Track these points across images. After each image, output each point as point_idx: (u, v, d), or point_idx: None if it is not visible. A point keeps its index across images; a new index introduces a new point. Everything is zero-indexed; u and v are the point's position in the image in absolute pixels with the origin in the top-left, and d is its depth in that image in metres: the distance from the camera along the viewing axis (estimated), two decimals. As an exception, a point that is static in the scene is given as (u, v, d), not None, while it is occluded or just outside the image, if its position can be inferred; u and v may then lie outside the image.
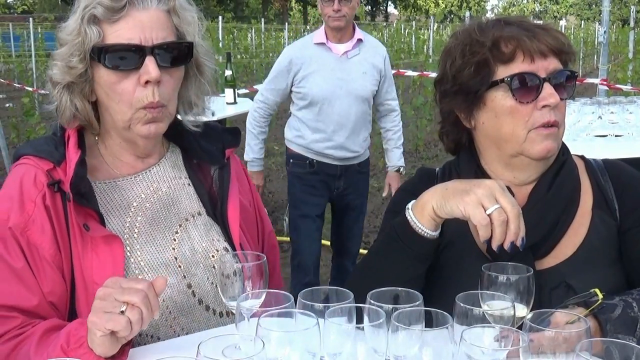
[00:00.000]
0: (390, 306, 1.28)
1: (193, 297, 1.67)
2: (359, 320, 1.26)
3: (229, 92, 5.86)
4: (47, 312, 1.53)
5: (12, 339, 1.48)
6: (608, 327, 1.46)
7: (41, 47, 20.14)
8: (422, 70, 12.67)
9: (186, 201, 1.74)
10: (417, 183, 1.86)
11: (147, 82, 1.53)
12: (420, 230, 1.52)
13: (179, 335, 1.63)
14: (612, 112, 4.06)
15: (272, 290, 1.40)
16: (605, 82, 5.97)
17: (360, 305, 1.28)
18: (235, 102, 5.93)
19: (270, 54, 23.59)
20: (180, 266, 1.66)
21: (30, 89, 10.92)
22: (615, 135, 3.92)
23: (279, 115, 13.32)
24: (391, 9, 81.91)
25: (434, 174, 1.86)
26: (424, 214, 1.51)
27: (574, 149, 1.84)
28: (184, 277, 1.66)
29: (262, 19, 34.38)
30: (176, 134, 1.76)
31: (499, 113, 1.65)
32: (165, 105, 1.58)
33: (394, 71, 8.05)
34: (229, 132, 1.84)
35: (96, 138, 1.69)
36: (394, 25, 33.72)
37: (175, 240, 1.69)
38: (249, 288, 1.48)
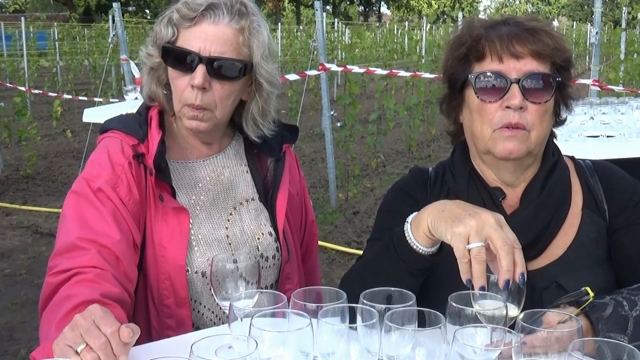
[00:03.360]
0: (383, 306, 1.28)
1: (237, 270, 1.80)
2: (352, 320, 1.26)
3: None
4: (124, 251, 1.68)
5: (68, 277, 1.58)
6: (600, 326, 1.46)
7: (33, 47, 20.03)
8: (415, 70, 12.69)
9: (243, 187, 1.97)
10: (410, 181, 1.86)
11: (195, 85, 1.74)
12: (414, 246, 1.49)
13: (217, 304, 1.77)
14: (603, 113, 4.06)
15: (266, 291, 1.40)
16: (597, 83, 5.96)
17: (353, 305, 1.28)
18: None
19: (263, 54, 23.50)
20: (230, 244, 1.89)
21: (22, 88, 10.86)
22: (607, 136, 3.92)
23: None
24: (384, 9, 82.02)
25: (427, 173, 1.86)
26: (419, 231, 1.47)
27: (566, 150, 1.85)
28: (232, 254, 1.81)
29: (255, 19, 34.18)
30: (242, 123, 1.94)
31: (472, 110, 1.68)
32: (210, 109, 1.78)
33: (386, 71, 8.08)
34: (288, 129, 2.04)
35: (173, 119, 1.90)
36: (387, 25, 33.71)
37: (228, 220, 1.91)
38: (242, 288, 1.48)
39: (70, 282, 1.58)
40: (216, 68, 1.74)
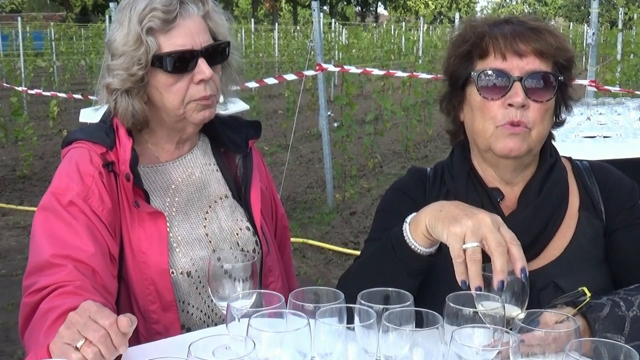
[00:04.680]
0: (381, 306, 1.28)
1: (234, 270, 1.78)
2: (350, 320, 1.26)
3: (218, 92, 5.84)
4: (100, 264, 1.65)
5: (48, 294, 1.55)
6: (597, 326, 1.47)
7: (29, 47, 20.00)
8: (412, 71, 12.69)
9: (215, 185, 1.97)
10: (408, 182, 1.86)
11: (200, 80, 1.75)
12: (413, 246, 1.49)
13: (205, 302, 1.85)
14: (600, 114, 4.08)
15: (263, 291, 1.40)
16: (593, 84, 5.98)
17: (351, 305, 1.28)
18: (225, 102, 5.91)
19: (261, 54, 23.56)
20: (210, 241, 1.89)
21: (18, 88, 10.84)
22: (604, 137, 3.93)
23: (268, 116, 13.33)
24: (381, 9, 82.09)
25: (425, 173, 1.86)
26: (417, 231, 1.47)
27: (563, 150, 1.85)
28: (214, 251, 1.88)
29: (252, 19, 34.29)
30: (206, 125, 1.93)
31: (473, 107, 1.68)
32: (215, 94, 1.82)
33: (383, 72, 8.07)
34: (251, 125, 2.07)
35: (138, 128, 1.86)
36: (384, 26, 33.73)
37: (206, 219, 1.91)
38: (239, 288, 1.48)
39: (51, 296, 1.55)
40: (211, 56, 1.77)
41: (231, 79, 1.94)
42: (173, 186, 1.89)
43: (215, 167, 2.00)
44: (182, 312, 1.82)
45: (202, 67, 1.74)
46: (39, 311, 1.54)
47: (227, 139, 1.99)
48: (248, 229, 1.95)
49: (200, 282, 1.84)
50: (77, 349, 1.31)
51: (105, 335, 1.32)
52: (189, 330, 1.83)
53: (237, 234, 1.93)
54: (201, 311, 1.85)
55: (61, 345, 1.33)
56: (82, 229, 1.66)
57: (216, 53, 1.80)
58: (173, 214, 1.86)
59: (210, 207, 1.93)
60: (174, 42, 1.73)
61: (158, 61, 1.73)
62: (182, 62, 1.74)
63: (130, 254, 1.77)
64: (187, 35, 1.73)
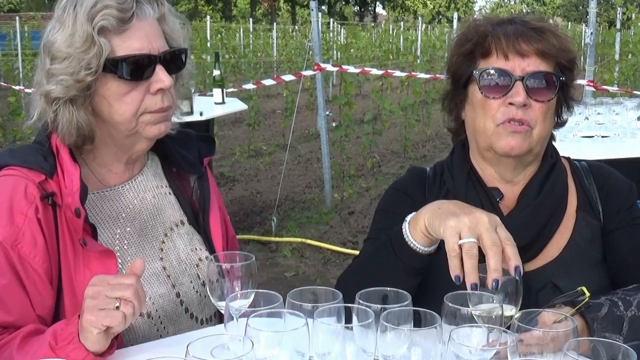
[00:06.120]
0: (379, 306, 1.28)
1: (181, 305, 1.70)
2: (348, 320, 1.26)
3: (217, 92, 5.85)
4: (29, 331, 1.47)
5: None
6: (595, 326, 1.47)
7: (28, 46, 19.98)
8: (410, 70, 12.69)
9: (169, 210, 1.76)
10: (407, 181, 1.86)
11: (158, 90, 1.55)
12: (412, 245, 1.49)
13: None
14: (598, 113, 4.09)
15: (261, 291, 1.40)
16: (591, 84, 5.99)
17: (349, 305, 1.28)
18: (223, 102, 5.92)
19: (259, 54, 23.54)
20: (169, 276, 1.69)
21: (16, 87, 10.82)
22: (602, 136, 3.94)
23: (267, 116, 13.32)
24: (379, 9, 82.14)
25: (425, 173, 1.86)
26: (416, 229, 1.48)
27: (561, 150, 1.86)
28: (173, 286, 1.69)
29: (251, 19, 34.28)
30: (156, 142, 1.69)
31: (475, 106, 1.69)
32: (171, 106, 1.62)
33: (382, 72, 8.07)
34: (204, 140, 1.86)
35: (80, 145, 1.61)
36: (383, 25, 33.74)
37: (162, 250, 1.71)
38: (237, 288, 1.48)
39: None
40: (168, 63, 1.58)
41: (182, 91, 1.72)
42: (124, 214, 1.66)
43: (168, 189, 1.77)
44: None
45: (161, 75, 1.54)
46: None
47: (179, 157, 1.76)
48: (208, 259, 1.68)
49: (161, 322, 1.64)
50: (117, 309, 1.32)
51: (137, 290, 1.34)
52: None
53: (197, 265, 1.73)
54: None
55: (97, 312, 1.32)
56: (6, 288, 1.46)
57: (173, 61, 1.60)
58: (125, 247, 1.64)
59: (166, 235, 1.72)
60: (129, 44, 1.51)
61: (112, 66, 1.50)
62: (138, 69, 1.52)
63: (71, 301, 1.53)
64: (143, 38, 1.53)
